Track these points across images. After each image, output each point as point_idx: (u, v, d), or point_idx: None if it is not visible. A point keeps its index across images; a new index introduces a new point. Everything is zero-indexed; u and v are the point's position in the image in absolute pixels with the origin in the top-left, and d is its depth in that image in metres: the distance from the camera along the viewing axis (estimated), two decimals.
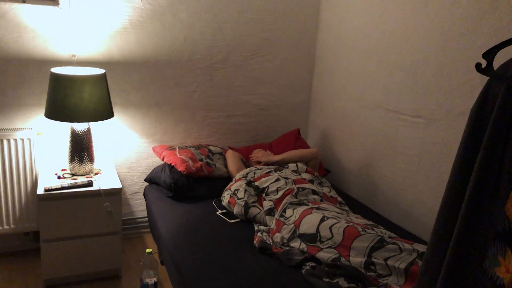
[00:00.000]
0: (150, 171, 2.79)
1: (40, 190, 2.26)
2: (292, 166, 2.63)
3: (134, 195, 2.93)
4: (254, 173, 2.53)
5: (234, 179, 2.55)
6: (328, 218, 1.97)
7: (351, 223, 1.92)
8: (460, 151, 0.97)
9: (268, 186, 2.35)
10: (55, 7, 2.44)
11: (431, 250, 1.03)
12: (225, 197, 2.43)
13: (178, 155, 2.60)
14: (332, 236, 1.88)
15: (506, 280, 0.80)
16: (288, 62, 3.15)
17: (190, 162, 2.56)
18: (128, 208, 2.93)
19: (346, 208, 2.38)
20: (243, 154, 2.92)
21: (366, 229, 1.90)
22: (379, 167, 2.62)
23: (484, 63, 0.93)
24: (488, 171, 0.89)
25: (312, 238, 1.93)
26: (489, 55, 0.91)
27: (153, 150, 2.79)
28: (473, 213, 0.92)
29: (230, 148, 2.98)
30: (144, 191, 2.77)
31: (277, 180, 2.37)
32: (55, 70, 2.29)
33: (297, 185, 2.32)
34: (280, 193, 2.28)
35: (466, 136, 0.96)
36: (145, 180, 2.75)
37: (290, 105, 3.27)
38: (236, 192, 2.38)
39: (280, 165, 2.68)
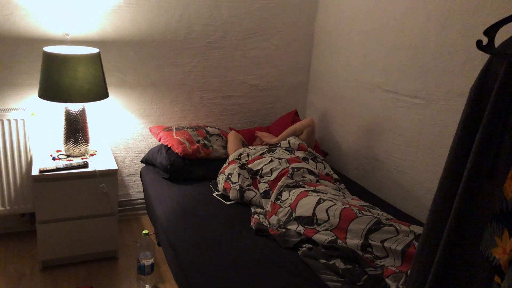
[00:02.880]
0: (147, 152, 2.77)
1: (34, 171, 2.24)
2: (284, 143, 2.59)
3: (131, 177, 2.91)
4: (248, 154, 2.50)
5: (227, 161, 2.53)
6: (324, 200, 1.96)
7: (347, 205, 1.91)
8: (459, 131, 0.94)
9: (262, 168, 2.32)
10: None
11: (428, 231, 1.01)
12: (220, 182, 2.41)
13: (175, 136, 2.57)
14: (329, 218, 1.86)
15: (502, 261, 0.79)
16: (287, 42, 3.09)
17: (187, 144, 2.54)
18: (124, 190, 2.91)
19: (342, 186, 2.37)
20: (245, 136, 2.89)
21: (363, 211, 1.88)
22: (377, 149, 2.60)
23: (485, 40, 0.90)
24: (486, 151, 0.87)
25: (308, 221, 1.92)
26: (491, 31, 0.88)
27: (150, 130, 2.77)
28: (470, 193, 0.90)
29: (231, 129, 2.95)
30: (140, 172, 2.75)
31: (271, 161, 2.34)
32: (48, 49, 2.25)
33: (292, 165, 2.29)
34: (275, 174, 2.25)
35: (465, 115, 0.94)
36: (142, 161, 2.74)
37: (288, 86, 3.23)
38: (230, 176, 2.36)
39: (274, 144, 2.64)
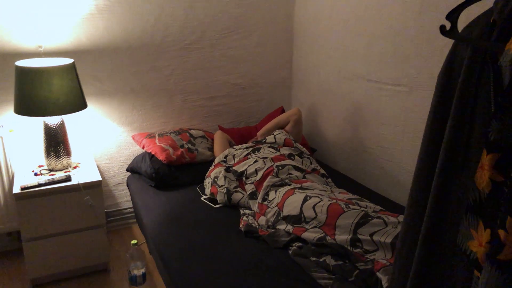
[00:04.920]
0: (132, 160, 2.72)
1: (16, 189, 2.19)
2: (269, 138, 2.55)
3: (118, 186, 2.87)
4: (234, 156, 2.46)
5: (213, 164, 2.49)
6: (311, 197, 1.92)
7: (334, 200, 1.88)
8: (429, 120, 0.91)
9: (246, 169, 2.28)
10: None
11: (406, 226, 0.98)
12: (207, 186, 2.37)
13: (158, 143, 2.53)
14: (316, 215, 1.83)
15: (479, 254, 0.75)
16: (266, 38, 3.05)
17: (171, 150, 2.49)
18: (112, 200, 2.87)
19: (330, 181, 2.33)
20: (234, 135, 2.84)
21: (350, 205, 1.85)
22: (364, 139, 2.57)
23: (448, 25, 0.87)
24: (458, 140, 0.84)
25: (296, 219, 1.89)
26: (453, 16, 0.84)
27: (133, 138, 2.72)
28: (445, 185, 0.87)
29: (220, 128, 2.91)
30: (127, 181, 2.71)
31: (255, 162, 2.30)
32: (20, 63, 2.20)
33: (276, 163, 2.25)
34: (260, 174, 2.21)
35: (434, 103, 0.90)
36: (127, 170, 2.69)
37: (272, 82, 3.18)
38: (216, 179, 2.32)
39: (260, 140, 2.60)
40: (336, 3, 2.64)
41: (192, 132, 2.73)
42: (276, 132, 2.59)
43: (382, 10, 2.29)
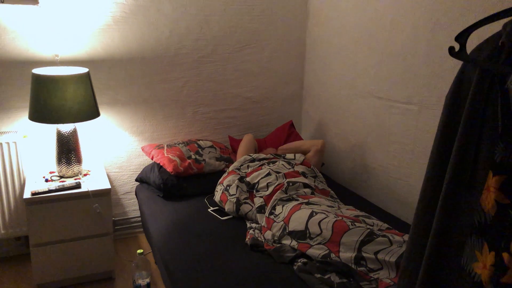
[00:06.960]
0: (141, 169, 2.74)
1: (27, 194, 2.22)
2: (289, 156, 2.56)
3: (127, 195, 2.89)
4: (248, 166, 2.47)
5: (227, 171, 2.49)
6: (316, 213, 1.91)
7: (340, 217, 1.87)
8: (437, 141, 0.91)
9: (258, 182, 2.28)
10: (35, 6, 2.39)
11: (411, 246, 0.97)
12: (218, 192, 2.38)
13: (166, 154, 2.55)
14: (321, 232, 1.82)
15: (483, 277, 0.75)
16: (278, 53, 3.08)
17: (178, 161, 2.51)
18: (120, 208, 2.89)
19: (338, 200, 2.32)
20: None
21: (356, 222, 1.84)
22: (373, 157, 2.56)
23: (457, 47, 0.87)
24: (464, 161, 0.84)
25: (301, 235, 1.88)
26: (462, 37, 0.85)
27: (142, 149, 2.75)
28: (451, 205, 0.86)
29: (229, 138, 2.94)
30: (135, 190, 2.73)
31: (268, 174, 2.30)
32: (36, 71, 2.25)
33: (288, 179, 2.25)
34: (270, 189, 2.21)
35: (442, 125, 0.91)
36: (136, 180, 2.71)
37: (283, 96, 3.20)
38: (228, 188, 2.33)
39: (279, 155, 2.61)
40: (349, 20, 2.66)
41: (200, 142, 2.74)
42: (296, 154, 2.61)
43: (394, 29, 2.30)
